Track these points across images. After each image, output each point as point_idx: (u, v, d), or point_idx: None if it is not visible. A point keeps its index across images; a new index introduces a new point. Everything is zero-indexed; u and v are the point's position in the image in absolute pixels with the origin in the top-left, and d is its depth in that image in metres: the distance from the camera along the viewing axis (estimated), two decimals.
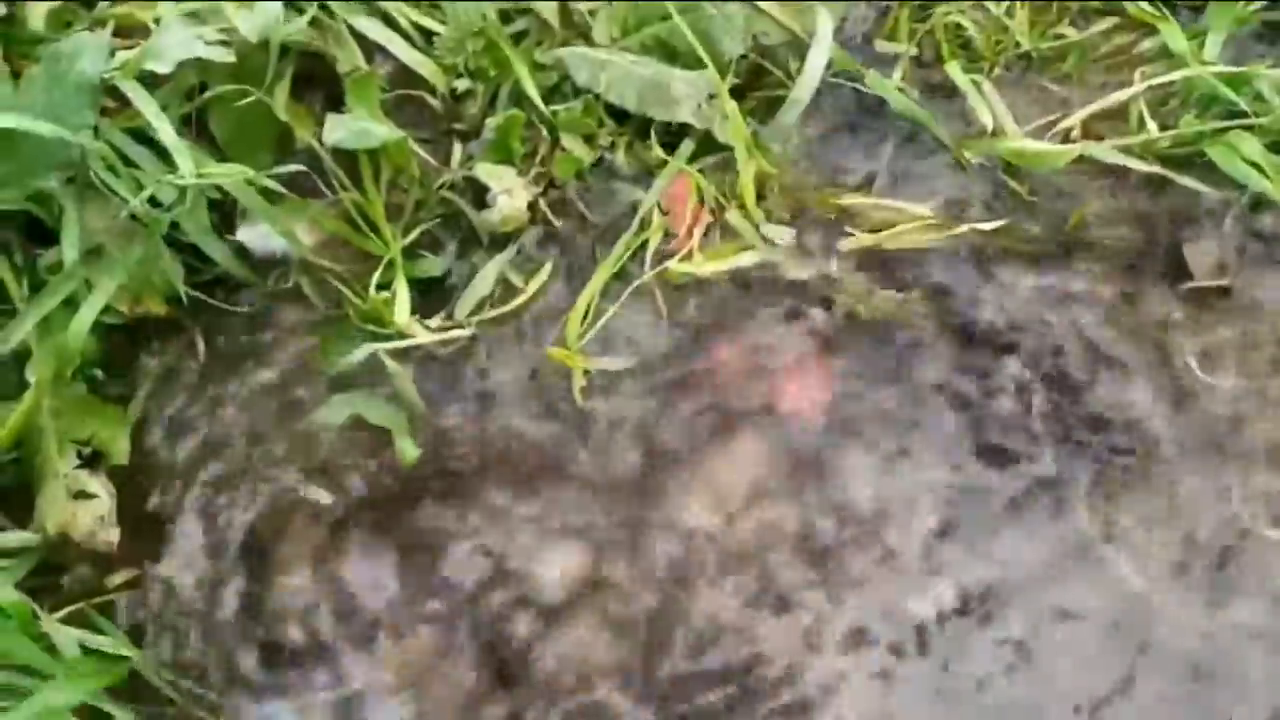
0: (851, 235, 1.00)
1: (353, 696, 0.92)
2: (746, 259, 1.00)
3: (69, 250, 0.90)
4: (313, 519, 0.97)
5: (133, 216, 0.93)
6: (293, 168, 0.94)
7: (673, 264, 0.99)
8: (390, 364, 0.94)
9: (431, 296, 1.02)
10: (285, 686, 0.93)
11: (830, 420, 0.97)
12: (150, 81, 0.93)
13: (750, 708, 0.90)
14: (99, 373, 0.99)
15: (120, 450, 0.94)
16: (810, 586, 0.93)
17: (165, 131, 0.87)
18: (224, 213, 1.01)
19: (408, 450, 0.93)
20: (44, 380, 0.87)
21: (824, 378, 0.98)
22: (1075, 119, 1.03)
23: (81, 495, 0.92)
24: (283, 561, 0.96)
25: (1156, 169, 1.00)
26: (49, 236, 0.96)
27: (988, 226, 0.99)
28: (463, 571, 0.95)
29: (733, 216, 1.00)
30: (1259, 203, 0.99)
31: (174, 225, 0.95)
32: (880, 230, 1.00)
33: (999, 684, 0.89)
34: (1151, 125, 1.01)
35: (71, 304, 0.93)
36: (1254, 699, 0.88)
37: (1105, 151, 1.01)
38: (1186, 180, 1.00)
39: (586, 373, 0.96)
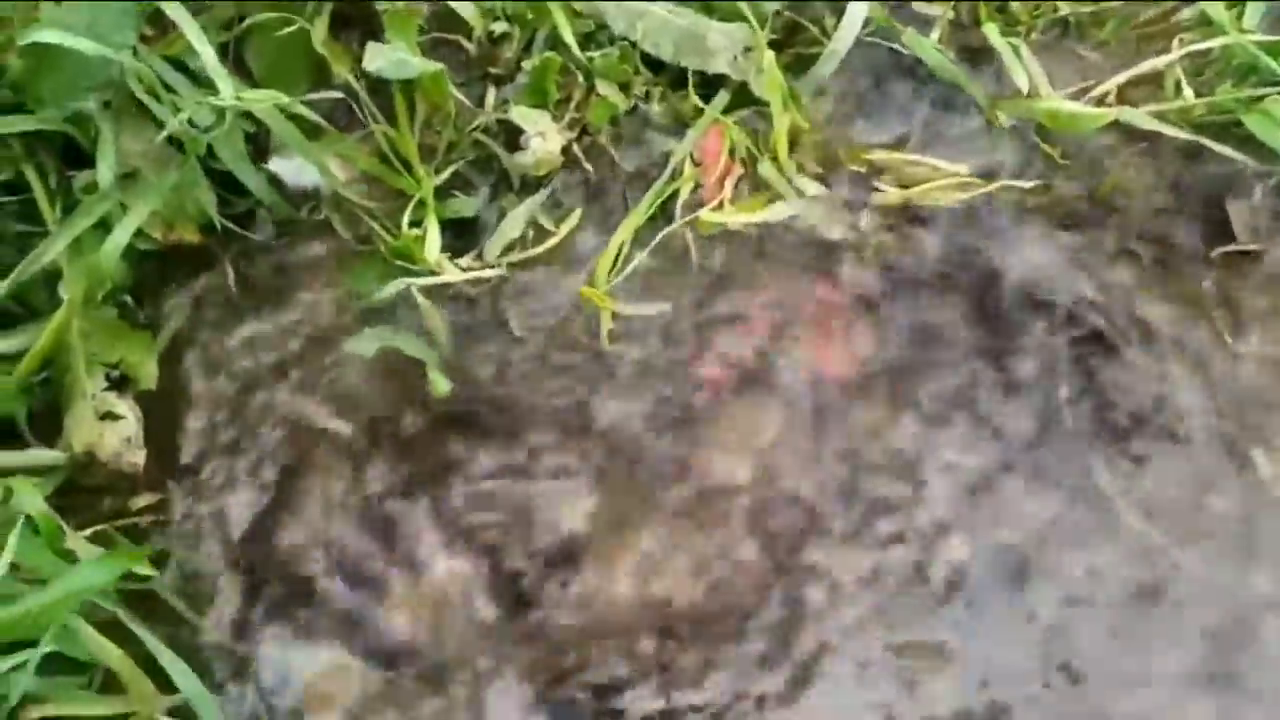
0: (883, 191, 0.99)
1: (370, 631, 0.93)
2: (777, 211, 1.00)
3: (104, 172, 0.91)
4: (336, 452, 0.97)
5: (169, 142, 0.94)
6: (330, 94, 0.94)
7: (703, 213, 0.99)
8: (421, 299, 0.94)
9: (462, 238, 1.02)
10: (302, 618, 0.93)
11: (855, 375, 0.97)
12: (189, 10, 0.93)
13: (766, 651, 0.90)
14: (129, 300, 0.99)
15: (148, 375, 0.95)
16: (828, 539, 0.93)
17: (206, 53, 0.88)
18: (257, 147, 1.01)
19: (439, 383, 0.93)
20: (76, 298, 0.87)
21: (850, 333, 0.98)
22: (1111, 84, 1.03)
23: (109, 416, 0.92)
24: (304, 493, 0.96)
25: (1192, 136, 1.00)
26: (84, 162, 0.96)
27: (1022, 185, 0.99)
28: (483, 510, 0.95)
29: (765, 168, 1.00)
30: None
31: (209, 154, 0.96)
32: (912, 187, 1.00)
33: (1017, 639, 0.90)
34: (1188, 92, 1.00)
35: (105, 227, 0.93)
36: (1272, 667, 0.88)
37: (1140, 117, 1.01)
38: (1222, 148, 0.99)
39: (614, 315, 0.97)
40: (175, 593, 0.92)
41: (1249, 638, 0.90)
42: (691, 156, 1.02)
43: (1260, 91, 0.98)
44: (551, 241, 1.00)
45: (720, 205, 1.00)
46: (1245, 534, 0.92)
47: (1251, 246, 0.99)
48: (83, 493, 0.94)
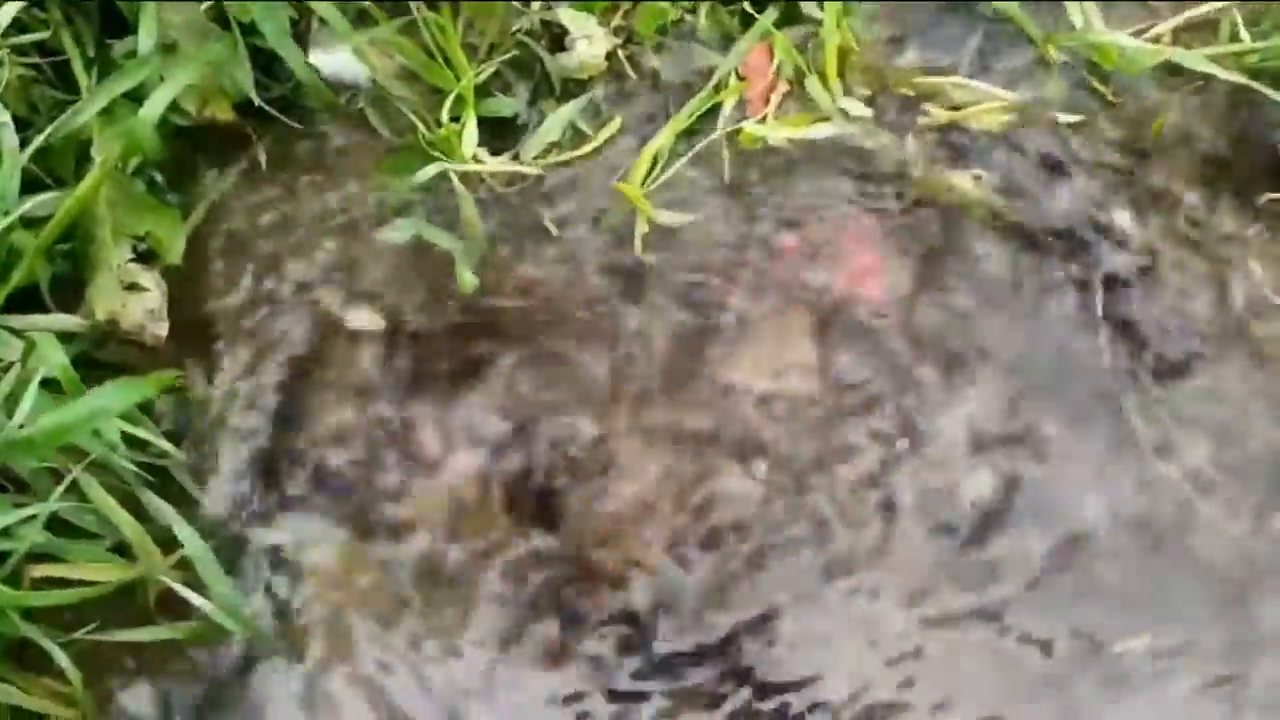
0: (930, 114, 0.98)
1: (383, 526, 0.91)
2: (821, 130, 0.98)
3: (145, 39, 0.89)
4: (359, 344, 0.96)
5: (211, 19, 0.92)
6: None
7: (747, 125, 0.97)
8: (458, 185, 0.93)
9: (500, 141, 1.01)
10: (316, 508, 0.92)
11: (888, 301, 0.96)
12: None
13: (778, 564, 0.89)
14: (158, 177, 0.98)
15: (175, 250, 0.93)
16: (849, 462, 0.92)
17: None
18: (297, 41, 0.99)
19: (466, 278, 0.92)
20: (109, 160, 0.86)
21: (887, 257, 0.97)
22: (1165, 26, 1.02)
23: (134, 288, 0.90)
24: (324, 383, 0.95)
25: (1245, 80, 0.98)
26: (123, 32, 0.95)
27: (1070, 118, 0.98)
28: (504, 413, 0.94)
29: (812, 85, 0.99)
30: None
31: (248, 32, 0.94)
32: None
33: (1028, 573, 0.88)
34: (1245, 35, 0.99)
35: (139, 101, 0.92)
36: None
37: (1194, 59, 0.99)
38: (1275, 94, 0.97)
39: (649, 223, 0.95)
40: (188, 472, 0.91)
41: (1266, 586, 0.88)
42: (737, 71, 1.00)
43: None
44: (589, 146, 0.99)
45: (764, 120, 0.98)
46: (1273, 480, 0.90)
47: None
48: (100, 368, 0.93)
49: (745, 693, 0.86)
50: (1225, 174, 0.99)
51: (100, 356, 0.93)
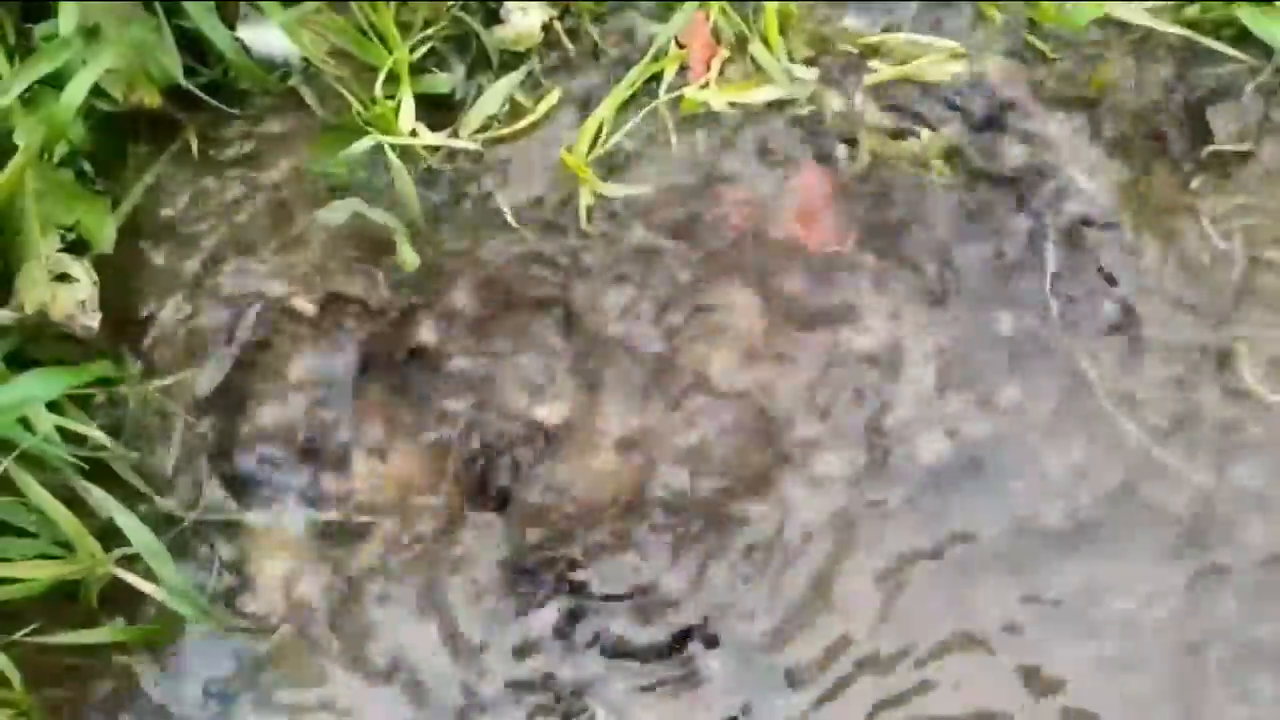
0: (875, 70, 0.97)
1: (332, 512, 0.90)
2: (766, 93, 0.97)
3: (65, 22, 0.87)
4: (300, 329, 0.94)
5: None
6: None
7: (688, 91, 0.96)
8: (395, 162, 0.91)
9: (439, 117, 0.99)
10: (259, 496, 0.90)
11: (840, 262, 0.95)
12: None
13: (735, 538, 0.88)
14: (87, 166, 0.95)
15: (104, 238, 0.91)
16: (807, 426, 0.91)
17: None
18: (225, 20, 0.97)
19: (408, 256, 0.90)
20: (31, 147, 0.83)
21: (837, 217, 0.96)
22: None
23: (63, 278, 0.88)
24: (265, 369, 0.93)
25: (1184, 32, 0.98)
26: (47, 16, 0.92)
27: (1015, 70, 0.98)
28: (451, 395, 0.92)
29: (755, 49, 0.98)
30: None
31: (175, 14, 0.92)
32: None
33: (989, 530, 0.88)
34: None
35: (62, 86, 0.89)
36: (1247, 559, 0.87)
37: (1133, 12, 0.99)
38: (1214, 45, 0.97)
39: (594, 195, 0.94)
40: (129, 466, 0.88)
41: (1226, 533, 0.88)
42: (676, 38, 0.99)
43: None
44: (530, 119, 0.97)
45: (706, 86, 0.97)
46: (1226, 429, 0.90)
47: (1238, 147, 0.97)
48: (33, 364, 0.90)
49: (704, 660, 0.85)
50: (1168, 125, 0.99)
51: (33, 352, 0.90)
